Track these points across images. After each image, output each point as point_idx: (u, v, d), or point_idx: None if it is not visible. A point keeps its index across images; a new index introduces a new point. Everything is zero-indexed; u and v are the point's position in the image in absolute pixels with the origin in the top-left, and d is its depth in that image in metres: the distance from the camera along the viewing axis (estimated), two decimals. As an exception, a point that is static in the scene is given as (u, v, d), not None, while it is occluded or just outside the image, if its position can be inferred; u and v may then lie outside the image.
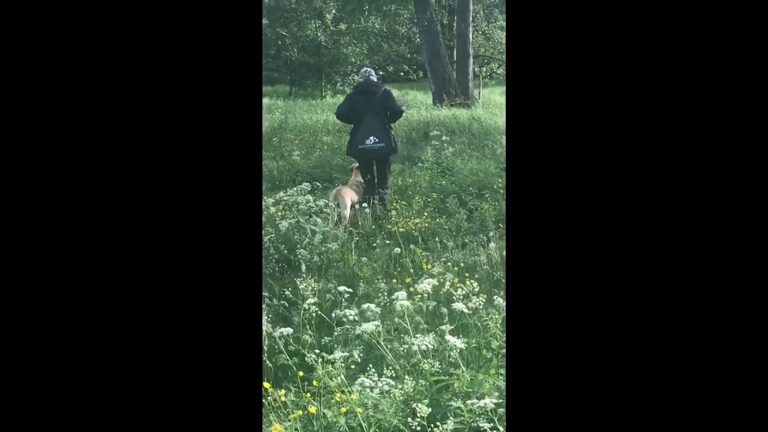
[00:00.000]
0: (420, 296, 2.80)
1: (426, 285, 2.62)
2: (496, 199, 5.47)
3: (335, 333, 2.69)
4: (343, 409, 2.08)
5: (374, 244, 4.50)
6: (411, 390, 2.11)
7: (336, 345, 2.60)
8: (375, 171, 5.83)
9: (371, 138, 5.53)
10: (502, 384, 2.14)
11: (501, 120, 10.44)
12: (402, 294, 2.52)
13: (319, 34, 19.08)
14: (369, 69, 5.97)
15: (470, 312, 2.54)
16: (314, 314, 2.62)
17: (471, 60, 14.67)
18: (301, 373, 2.27)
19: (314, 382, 2.22)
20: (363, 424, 2.00)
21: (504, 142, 7.92)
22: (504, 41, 17.84)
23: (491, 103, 14.81)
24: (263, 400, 2.13)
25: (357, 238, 4.60)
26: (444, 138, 8.20)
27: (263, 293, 3.29)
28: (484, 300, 2.62)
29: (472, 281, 2.85)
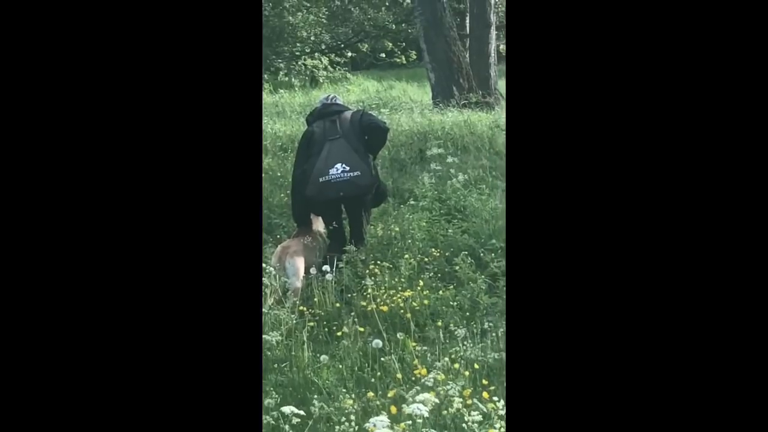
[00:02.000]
0: (411, 423, 2.84)
1: (419, 408, 2.65)
2: (534, 257, 5.55)
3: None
4: None
5: (339, 333, 4.56)
6: None
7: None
8: (345, 216, 5.95)
9: (339, 165, 5.69)
10: None
11: (542, 129, 10.62)
12: (382, 421, 2.57)
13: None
14: (333, 94, 6.42)
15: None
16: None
17: (493, 32, 15.00)
18: None
19: None
20: None
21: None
22: None
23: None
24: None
25: (312, 324, 4.65)
26: (451, 159, 8.31)
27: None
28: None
29: (495, 397, 2.89)
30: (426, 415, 2.68)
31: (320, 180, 5.67)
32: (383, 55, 22.59)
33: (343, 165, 5.66)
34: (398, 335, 4.29)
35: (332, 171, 5.66)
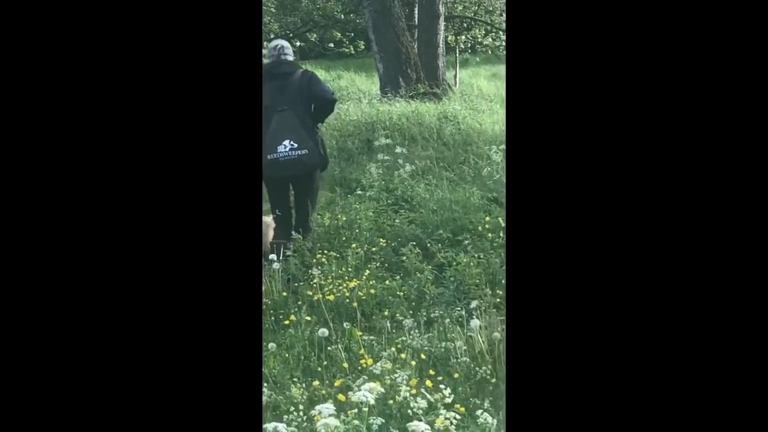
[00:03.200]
0: (357, 410, 2.84)
1: (365, 394, 2.66)
2: (481, 248, 5.60)
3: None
4: None
5: (286, 322, 4.55)
6: None
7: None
8: (292, 198, 5.90)
9: (286, 143, 5.62)
10: None
11: (490, 119, 10.71)
12: (327, 408, 2.56)
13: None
14: (282, 43, 6.10)
15: (438, 434, 2.59)
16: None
17: (442, 23, 15.07)
18: None
19: None
20: None
21: (495, 156, 8.13)
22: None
23: (474, 93, 15.17)
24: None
25: (258, 313, 4.63)
26: (399, 150, 8.34)
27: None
28: (459, 418, 2.68)
29: (441, 385, 2.91)
30: (372, 402, 2.68)
31: (268, 158, 5.59)
32: (332, 44, 22.55)
33: (291, 142, 5.58)
34: (344, 325, 4.30)
35: (280, 149, 5.58)
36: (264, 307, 4.79)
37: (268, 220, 5.72)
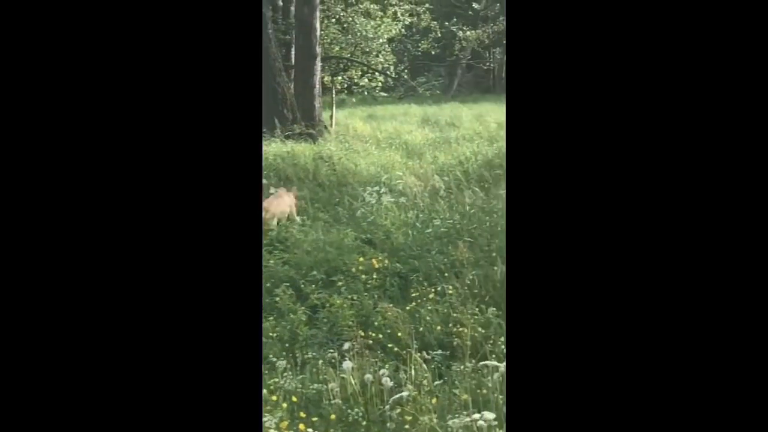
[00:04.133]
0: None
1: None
2: (354, 289, 5.66)
3: None
4: None
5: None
6: None
7: None
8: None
9: None
10: None
11: (365, 160, 10.83)
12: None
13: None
14: None
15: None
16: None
17: (318, 64, 15.20)
18: None
19: None
20: None
21: (370, 198, 8.22)
22: (371, 35, 18.64)
23: (350, 134, 15.28)
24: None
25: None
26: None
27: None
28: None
29: (311, 429, 2.92)
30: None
31: None
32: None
33: None
34: (216, 367, 4.25)
35: None
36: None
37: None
